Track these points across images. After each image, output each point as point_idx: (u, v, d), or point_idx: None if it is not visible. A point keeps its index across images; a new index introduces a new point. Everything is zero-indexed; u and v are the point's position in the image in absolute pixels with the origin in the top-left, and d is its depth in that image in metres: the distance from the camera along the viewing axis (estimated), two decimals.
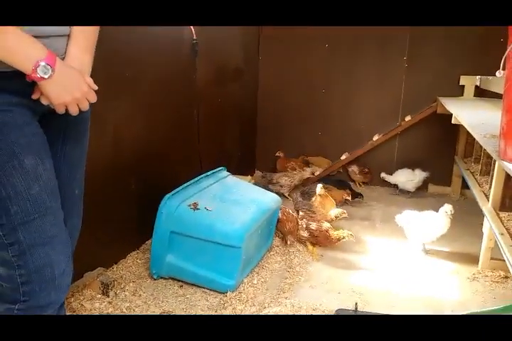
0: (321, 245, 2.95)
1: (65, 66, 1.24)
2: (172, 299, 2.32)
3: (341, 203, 3.74)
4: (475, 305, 2.34)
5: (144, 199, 2.83)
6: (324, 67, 4.51)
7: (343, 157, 4.57)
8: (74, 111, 1.29)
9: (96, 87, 1.34)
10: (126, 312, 2.17)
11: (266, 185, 4.11)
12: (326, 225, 2.88)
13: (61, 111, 1.28)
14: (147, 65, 2.75)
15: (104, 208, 2.48)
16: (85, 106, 1.31)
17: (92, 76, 1.37)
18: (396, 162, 4.50)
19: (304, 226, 2.92)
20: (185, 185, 2.66)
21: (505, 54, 1.47)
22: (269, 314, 2.15)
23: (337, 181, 4.25)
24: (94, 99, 1.33)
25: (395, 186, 4.39)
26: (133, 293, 2.35)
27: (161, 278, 2.51)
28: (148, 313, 2.18)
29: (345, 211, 3.10)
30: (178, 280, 2.49)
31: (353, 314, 2.08)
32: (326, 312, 2.18)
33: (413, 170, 4.28)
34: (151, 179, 2.95)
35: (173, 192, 2.53)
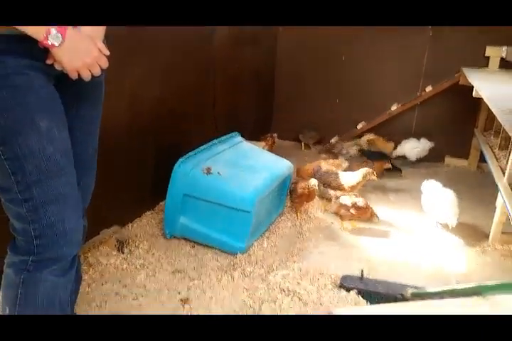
0: (360, 219, 2.95)
1: (75, 32, 1.25)
2: (184, 258, 2.41)
3: (381, 174, 3.68)
4: (481, 278, 2.37)
5: (160, 161, 2.87)
6: (345, 33, 4.36)
7: (360, 126, 4.52)
8: (86, 76, 1.31)
9: (108, 53, 1.34)
10: (140, 269, 2.26)
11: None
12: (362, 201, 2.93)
13: (74, 76, 1.30)
14: (163, 28, 2.70)
15: (121, 169, 2.53)
16: (97, 72, 1.33)
17: (106, 41, 1.38)
18: (414, 133, 4.43)
19: (350, 204, 2.88)
20: (199, 149, 2.69)
21: None
22: (277, 275, 2.22)
23: (378, 153, 4.14)
24: (105, 64, 1.34)
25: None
26: (146, 251, 2.44)
27: (174, 237, 2.59)
28: (161, 270, 2.27)
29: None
30: (190, 241, 2.57)
31: (359, 280, 2.13)
32: (333, 277, 2.24)
33: (418, 139, 4.22)
34: (167, 142, 2.97)
35: (186, 155, 2.56)
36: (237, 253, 2.43)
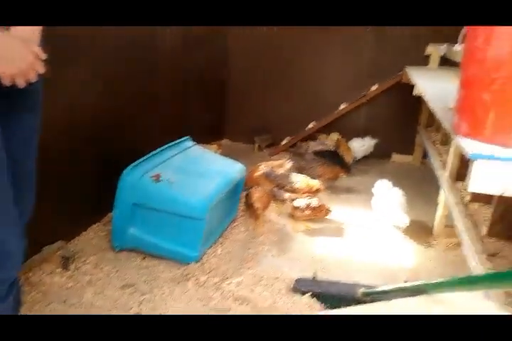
0: (317, 218, 2.97)
1: (5, 37, 1.16)
2: (134, 271, 2.33)
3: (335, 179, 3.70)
4: (428, 272, 2.46)
5: (106, 170, 2.76)
6: (292, 34, 4.41)
7: (310, 126, 4.58)
8: (21, 83, 1.22)
9: (44, 57, 1.26)
10: (87, 286, 2.16)
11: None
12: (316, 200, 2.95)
13: (7, 83, 1.20)
14: (104, 30, 2.60)
15: (62, 180, 2.42)
16: (33, 78, 1.24)
17: (43, 44, 1.29)
18: (362, 131, 4.54)
19: (305, 206, 2.90)
20: (148, 156, 2.61)
21: (463, 29, 1.46)
22: (231, 284, 2.20)
23: (328, 152, 4.19)
24: (42, 69, 1.25)
25: None
26: (94, 266, 2.34)
27: (124, 250, 2.51)
28: (110, 286, 2.18)
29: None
30: (141, 253, 2.49)
31: (312, 283, 2.15)
32: (287, 281, 2.25)
33: (362, 138, 4.34)
34: (113, 150, 2.87)
35: (134, 163, 2.48)
36: (190, 263, 2.38)
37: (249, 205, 2.91)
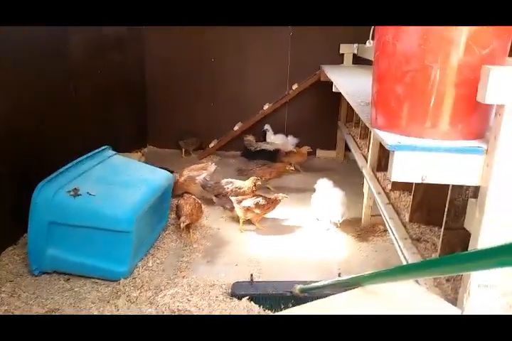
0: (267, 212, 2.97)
1: None
2: (58, 295, 2.14)
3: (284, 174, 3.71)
4: (359, 261, 2.54)
5: (18, 187, 2.51)
6: (213, 37, 4.37)
7: (236, 127, 4.57)
8: None
9: None
10: None
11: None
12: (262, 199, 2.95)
13: None
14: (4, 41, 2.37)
15: None
16: None
17: None
18: (286, 129, 4.62)
19: (253, 206, 2.86)
20: (63, 169, 2.41)
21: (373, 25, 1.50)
22: (166, 296, 2.09)
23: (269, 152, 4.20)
24: None
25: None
26: (11, 294, 2.11)
27: (44, 273, 2.29)
28: (32, 314, 1.98)
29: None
30: (65, 274, 2.30)
31: (249, 285, 2.11)
32: (224, 287, 2.19)
33: (286, 136, 4.45)
34: (24, 165, 2.62)
35: (48, 178, 2.28)
36: (120, 279, 2.24)
37: (179, 218, 2.78)
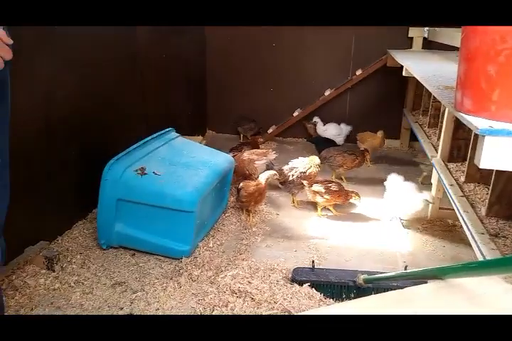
0: (339, 202, 2.92)
1: None
2: (124, 269, 2.22)
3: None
4: (425, 255, 2.43)
5: (87, 164, 2.63)
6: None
7: (296, 113, 4.50)
8: None
9: (10, 41, 1.13)
10: (75, 287, 2.05)
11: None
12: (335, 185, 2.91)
13: None
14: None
15: (39, 176, 2.28)
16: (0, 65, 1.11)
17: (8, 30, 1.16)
18: (348, 116, 4.49)
19: (323, 190, 2.84)
20: (130, 148, 2.48)
21: None
22: (227, 277, 2.11)
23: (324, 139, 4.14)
24: (8, 55, 1.13)
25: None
26: (81, 265, 2.23)
27: (111, 247, 2.39)
28: (99, 285, 2.07)
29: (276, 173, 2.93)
30: (130, 249, 2.39)
31: (310, 272, 2.08)
32: (284, 272, 2.17)
33: (339, 124, 4.29)
34: (94, 142, 2.73)
35: (117, 156, 2.35)
36: (182, 257, 2.29)
37: (241, 200, 2.78)
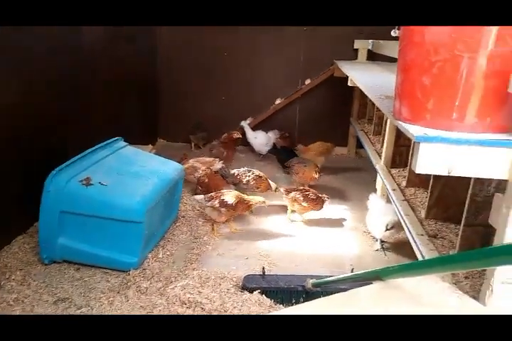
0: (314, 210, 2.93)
1: None
2: (68, 284, 2.12)
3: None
4: (371, 257, 2.51)
5: (29, 176, 2.50)
6: (226, 30, 4.33)
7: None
8: None
9: None
10: (14, 305, 1.93)
11: None
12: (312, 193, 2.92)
13: None
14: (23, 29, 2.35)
15: None
16: None
17: None
18: (298, 125, 4.59)
19: (302, 198, 2.86)
20: (75, 158, 2.39)
21: None
22: (176, 287, 2.07)
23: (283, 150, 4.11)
24: None
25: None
26: (21, 282, 2.10)
27: (54, 262, 2.28)
28: (40, 303, 1.96)
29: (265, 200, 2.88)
30: (75, 263, 2.28)
31: (261, 279, 2.08)
32: (235, 280, 2.17)
33: (267, 132, 4.35)
34: (37, 153, 2.60)
35: (60, 167, 2.25)
36: (130, 270, 2.22)
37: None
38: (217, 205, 2.66)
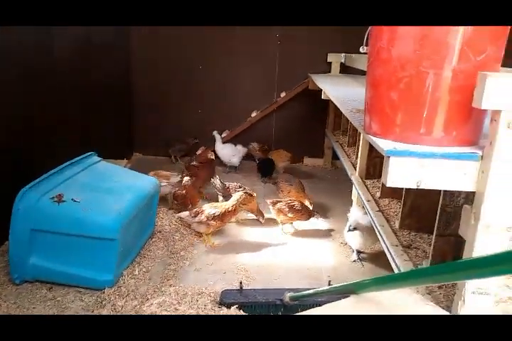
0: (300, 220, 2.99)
1: None
2: (40, 304, 2.06)
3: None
4: (347, 268, 2.53)
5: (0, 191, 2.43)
6: (201, 42, 4.36)
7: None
8: None
9: None
10: None
11: None
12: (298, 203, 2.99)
13: None
14: None
15: None
16: None
17: None
18: (274, 137, 4.62)
19: (287, 209, 2.93)
20: (46, 175, 2.33)
21: (368, 30, 1.50)
22: (152, 305, 2.03)
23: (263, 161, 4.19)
24: None
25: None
26: None
27: (26, 282, 2.21)
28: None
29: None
30: (47, 282, 2.22)
31: (238, 293, 2.07)
32: (212, 295, 2.14)
33: (235, 145, 4.40)
34: (5, 170, 2.53)
35: (30, 184, 2.20)
36: (104, 288, 2.17)
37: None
38: (205, 219, 2.68)
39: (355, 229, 2.54)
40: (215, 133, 4.41)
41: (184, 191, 3.19)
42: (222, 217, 2.72)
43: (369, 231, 2.48)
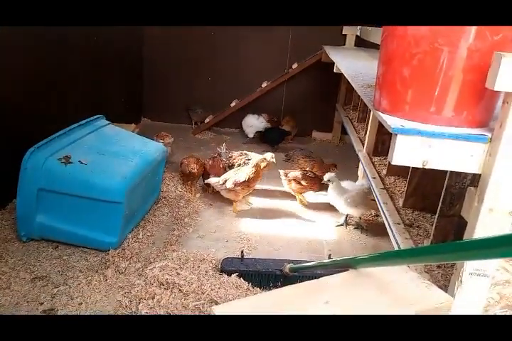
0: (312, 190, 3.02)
1: None
2: (46, 262, 2.12)
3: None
4: (349, 244, 2.56)
5: (7, 152, 2.46)
6: None
7: (233, 104, 4.50)
8: None
9: None
10: None
11: None
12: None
13: None
14: None
15: None
16: None
17: None
18: (284, 108, 4.58)
19: (300, 176, 2.95)
20: (54, 136, 2.35)
21: None
22: (155, 268, 2.09)
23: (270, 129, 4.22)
24: None
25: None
26: None
27: (32, 240, 2.27)
28: (17, 280, 1.97)
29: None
30: (53, 241, 2.28)
31: (239, 262, 2.12)
32: (214, 262, 2.20)
33: (258, 115, 4.36)
34: (14, 129, 2.55)
35: (38, 144, 2.22)
36: (109, 250, 2.23)
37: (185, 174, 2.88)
38: (233, 186, 2.75)
39: (328, 181, 2.66)
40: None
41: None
42: (249, 182, 2.78)
43: (358, 198, 2.59)
